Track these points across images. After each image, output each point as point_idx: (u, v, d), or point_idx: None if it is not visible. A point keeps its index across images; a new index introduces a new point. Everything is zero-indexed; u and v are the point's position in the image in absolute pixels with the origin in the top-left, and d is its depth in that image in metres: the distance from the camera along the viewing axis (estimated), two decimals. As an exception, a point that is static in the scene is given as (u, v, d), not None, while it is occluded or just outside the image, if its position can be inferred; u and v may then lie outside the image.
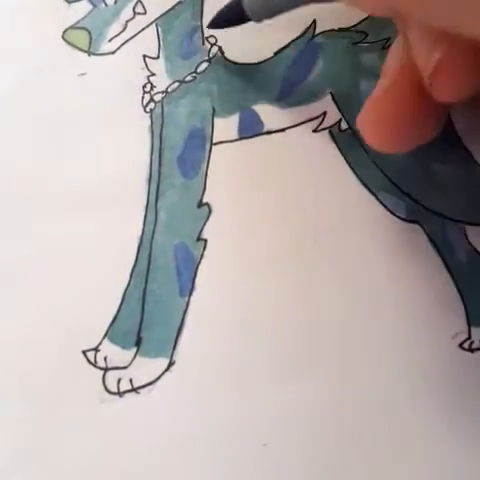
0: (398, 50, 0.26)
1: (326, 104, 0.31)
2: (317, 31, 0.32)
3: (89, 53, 0.32)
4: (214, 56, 0.32)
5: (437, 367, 0.27)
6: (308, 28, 0.32)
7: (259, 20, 0.29)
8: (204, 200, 0.30)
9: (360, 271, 0.29)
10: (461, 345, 0.28)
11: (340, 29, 0.32)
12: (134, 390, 0.28)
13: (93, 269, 0.30)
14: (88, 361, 0.28)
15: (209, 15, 0.32)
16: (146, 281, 0.29)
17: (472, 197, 0.30)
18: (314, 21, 0.32)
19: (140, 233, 0.30)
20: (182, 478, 0.27)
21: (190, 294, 0.29)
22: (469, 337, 0.28)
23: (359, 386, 0.27)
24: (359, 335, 0.28)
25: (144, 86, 0.32)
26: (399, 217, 0.29)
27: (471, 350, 0.28)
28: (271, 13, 0.29)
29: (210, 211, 0.30)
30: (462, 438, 0.26)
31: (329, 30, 0.32)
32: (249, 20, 0.30)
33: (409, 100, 0.25)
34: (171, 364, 0.28)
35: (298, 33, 0.32)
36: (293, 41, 0.32)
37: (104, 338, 0.29)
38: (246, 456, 0.27)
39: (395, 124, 0.26)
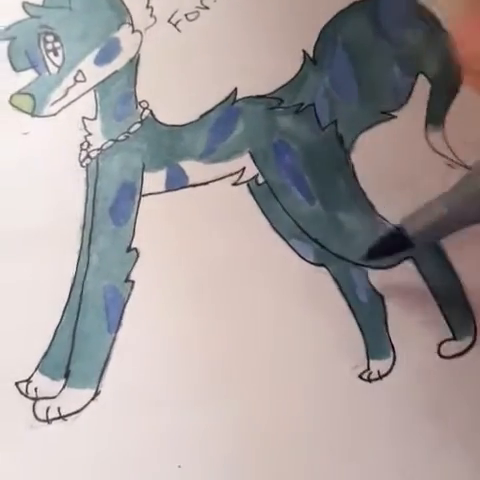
0: None
1: (245, 161, 0.35)
2: (238, 97, 0.36)
3: (32, 115, 0.36)
4: (146, 118, 0.36)
5: (339, 395, 0.30)
6: (230, 94, 0.36)
7: (421, 244, 0.30)
8: (132, 245, 0.33)
9: (273, 308, 0.32)
10: (360, 376, 0.31)
11: (258, 96, 0.36)
12: (61, 417, 0.30)
13: (28, 306, 0.32)
14: (20, 391, 0.31)
15: (142, 83, 0.36)
16: (77, 318, 0.32)
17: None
18: (235, 88, 0.36)
19: (73, 275, 0.33)
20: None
21: (117, 330, 0.32)
22: (368, 368, 0.31)
23: (271, 410, 0.30)
24: (272, 365, 0.31)
25: (82, 144, 0.35)
26: (308, 261, 0.33)
27: (369, 380, 0.30)
28: (434, 239, 0.31)
29: (138, 255, 0.33)
30: (360, 457, 0.29)
31: (248, 96, 0.36)
32: (413, 246, 0.29)
33: None
34: (97, 394, 0.31)
35: (221, 98, 0.36)
36: (217, 106, 0.36)
37: (36, 371, 0.31)
38: (162, 477, 0.29)
39: None
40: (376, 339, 0.31)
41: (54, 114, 0.36)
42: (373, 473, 0.29)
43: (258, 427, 0.30)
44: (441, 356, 0.30)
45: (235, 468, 0.29)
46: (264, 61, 0.37)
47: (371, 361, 0.31)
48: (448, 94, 0.36)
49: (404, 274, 0.32)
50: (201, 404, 0.30)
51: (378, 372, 0.30)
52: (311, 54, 0.37)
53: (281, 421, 0.30)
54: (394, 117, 0.35)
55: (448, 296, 0.32)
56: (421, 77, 0.36)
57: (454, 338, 0.31)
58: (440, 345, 0.31)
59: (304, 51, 0.37)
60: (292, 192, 0.34)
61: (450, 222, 0.27)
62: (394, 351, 0.31)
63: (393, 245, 0.30)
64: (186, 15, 0.37)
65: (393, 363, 0.30)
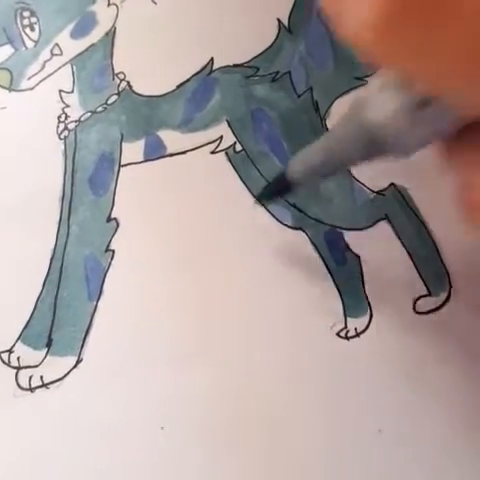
0: None
1: (222, 129, 0.35)
2: (214, 67, 0.36)
3: (10, 89, 0.36)
4: (123, 90, 0.36)
5: (317, 353, 0.31)
6: (206, 64, 0.36)
7: (304, 186, 0.30)
8: (112, 215, 0.34)
9: (251, 272, 0.32)
10: (338, 334, 0.31)
11: (235, 65, 0.36)
12: (44, 386, 0.31)
13: (8, 278, 0.32)
14: (2, 361, 0.31)
15: (119, 55, 0.36)
16: (58, 288, 0.32)
17: (349, 206, 0.33)
18: (212, 58, 0.36)
19: (53, 246, 0.33)
20: (86, 463, 0.29)
21: (98, 299, 0.32)
22: (345, 326, 0.31)
23: (249, 371, 0.30)
24: (250, 325, 0.31)
25: (59, 116, 0.35)
26: (286, 225, 0.33)
27: (347, 338, 0.31)
28: (315, 181, 0.31)
29: (118, 225, 0.33)
30: (337, 415, 0.29)
31: (225, 66, 0.36)
32: (293, 188, 0.30)
33: None
34: (79, 361, 0.31)
35: (198, 69, 0.36)
36: (193, 76, 0.36)
37: (17, 340, 0.31)
38: (145, 439, 0.29)
39: None
40: (353, 298, 0.31)
41: (31, 88, 0.36)
42: (350, 431, 0.29)
43: (237, 387, 0.30)
44: (417, 312, 0.31)
45: (216, 429, 0.29)
46: (240, 31, 0.37)
47: (348, 319, 0.31)
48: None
49: (379, 234, 0.32)
50: (182, 367, 0.30)
51: (355, 329, 0.31)
52: (286, 23, 0.37)
53: (260, 380, 0.30)
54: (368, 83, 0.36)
55: (423, 254, 0.32)
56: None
57: (429, 294, 0.31)
58: (416, 301, 0.31)
59: (279, 20, 0.37)
60: (270, 159, 0.34)
61: (327, 165, 0.27)
62: (371, 309, 0.31)
63: (277, 188, 0.30)
64: (161, -14, 0.38)
65: (370, 320, 0.31)
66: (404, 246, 0.32)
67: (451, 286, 0.31)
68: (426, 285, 0.31)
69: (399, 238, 0.32)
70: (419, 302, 0.31)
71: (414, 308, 0.31)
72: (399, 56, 0.19)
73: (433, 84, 0.20)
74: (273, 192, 0.31)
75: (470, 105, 0.20)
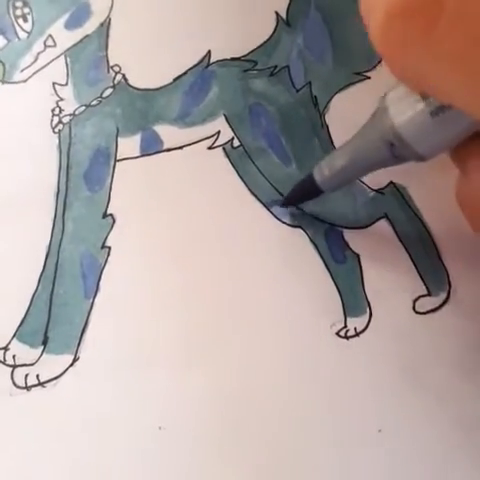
0: None
1: (220, 124, 0.35)
2: (212, 60, 0.36)
3: (2, 82, 0.35)
4: (118, 83, 0.35)
5: (316, 353, 0.30)
6: (204, 57, 0.36)
7: (333, 191, 0.31)
8: (108, 211, 0.33)
9: (249, 269, 0.32)
10: (338, 333, 0.31)
11: (232, 58, 0.36)
12: (40, 384, 0.30)
13: (3, 275, 0.32)
14: (-3, 359, 0.31)
15: (114, 47, 0.36)
16: (53, 285, 0.32)
17: (348, 204, 0.33)
18: (209, 51, 0.36)
19: (48, 242, 0.32)
20: (82, 463, 0.29)
21: (94, 296, 0.32)
22: (345, 326, 0.31)
23: (250, 372, 0.30)
24: (248, 324, 0.31)
25: (53, 110, 0.35)
26: (285, 223, 0.33)
27: (347, 337, 0.31)
28: (342, 185, 0.31)
29: (114, 221, 0.33)
30: (337, 414, 0.29)
31: (222, 59, 0.36)
32: (322, 192, 0.31)
33: None
34: (75, 360, 0.30)
35: (195, 62, 0.36)
36: (190, 69, 0.36)
37: (13, 338, 0.31)
38: (143, 439, 0.29)
39: None
40: (352, 297, 0.31)
41: (24, 80, 0.35)
42: (350, 431, 0.29)
43: (235, 387, 0.30)
44: (416, 312, 0.31)
45: (216, 429, 0.29)
46: (237, 23, 0.37)
47: (348, 318, 0.31)
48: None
49: (379, 233, 0.32)
50: (180, 366, 0.30)
51: (355, 329, 0.31)
52: (284, 16, 0.37)
53: (258, 380, 0.30)
54: (368, 78, 0.35)
55: (422, 253, 0.32)
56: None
57: (429, 294, 0.31)
58: (415, 301, 0.31)
59: (277, 13, 0.37)
60: (268, 154, 0.34)
61: (353, 169, 0.29)
62: (370, 308, 0.31)
63: (304, 192, 0.31)
64: (157, -23, 0.37)
65: (369, 320, 0.31)
66: (403, 245, 0.32)
67: (450, 286, 0.31)
68: (426, 285, 0.31)
69: (398, 237, 0.32)
70: (419, 302, 0.31)
71: (414, 308, 0.31)
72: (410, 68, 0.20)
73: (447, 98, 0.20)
74: (302, 196, 0.32)
75: None
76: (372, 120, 0.27)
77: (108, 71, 0.35)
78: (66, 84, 0.35)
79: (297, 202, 0.33)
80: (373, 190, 0.33)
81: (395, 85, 0.25)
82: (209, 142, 0.34)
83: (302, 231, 0.33)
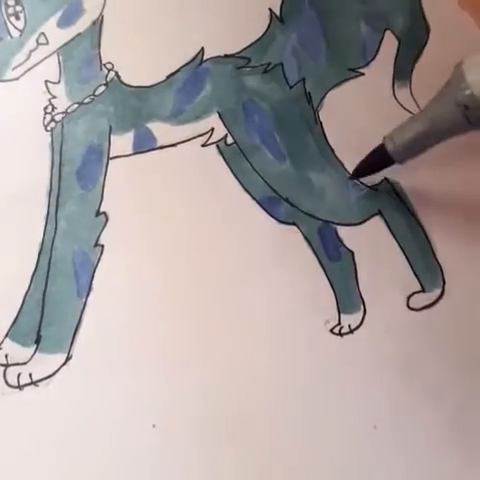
0: None
1: (213, 121, 0.34)
2: (205, 57, 0.36)
3: (-6, 80, 0.35)
4: (111, 80, 0.35)
5: (311, 350, 0.30)
6: (197, 54, 0.35)
7: (402, 161, 0.30)
8: (101, 209, 0.33)
9: (243, 266, 0.32)
10: (332, 330, 0.31)
11: (226, 55, 0.36)
12: (33, 383, 0.30)
13: (-5, 274, 0.32)
14: (-11, 359, 0.31)
15: (107, 44, 0.36)
16: (46, 284, 0.31)
17: (343, 201, 0.33)
18: (202, 48, 0.36)
19: (40, 241, 0.32)
20: (76, 461, 0.29)
21: (87, 295, 0.31)
22: (339, 323, 0.31)
23: (243, 369, 0.30)
24: (242, 322, 0.31)
25: (46, 108, 0.34)
26: (278, 219, 0.33)
27: (341, 334, 0.31)
28: (414, 154, 0.30)
29: (107, 219, 0.33)
30: (331, 410, 0.29)
31: (216, 56, 0.36)
32: (393, 163, 0.30)
33: None
34: (68, 358, 0.30)
35: (188, 59, 0.35)
36: (183, 66, 0.35)
37: (5, 337, 0.31)
38: (137, 436, 0.29)
39: None
40: (346, 294, 0.31)
41: (17, 78, 0.35)
42: (345, 427, 0.29)
43: (230, 384, 0.30)
44: (410, 308, 0.31)
45: (208, 427, 0.29)
46: (231, 20, 0.36)
47: (342, 315, 0.31)
48: (415, 50, 0.36)
49: (373, 230, 0.32)
50: (173, 365, 0.30)
51: (349, 326, 0.30)
52: (278, 12, 0.36)
53: (253, 377, 0.30)
54: (362, 74, 0.35)
55: (416, 250, 0.32)
56: (388, 34, 0.36)
57: (423, 290, 0.31)
58: (409, 298, 0.31)
59: (271, 10, 0.36)
60: (262, 151, 0.34)
61: (426, 137, 0.29)
62: (364, 305, 0.31)
63: (376, 161, 0.31)
64: (149, -26, 0.37)
65: (363, 317, 0.31)
66: (397, 242, 0.32)
67: (445, 282, 0.31)
68: (420, 281, 0.31)
69: (392, 234, 0.32)
70: (413, 298, 0.31)
71: (408, 304, 0.31)
72: None
73: None
74: (372, 166, 0.32)
75: None
76: (446, 86, 0.28)
77: (101, 69, 0.35)
78: (58, 82, 0.35)
79: (367, 173, 0.32)
80: (367, 186, 0.33)
81: (469, 54, 0.27)
82: (203, 139, 0.34)
83: (296, 228, 0.32)
